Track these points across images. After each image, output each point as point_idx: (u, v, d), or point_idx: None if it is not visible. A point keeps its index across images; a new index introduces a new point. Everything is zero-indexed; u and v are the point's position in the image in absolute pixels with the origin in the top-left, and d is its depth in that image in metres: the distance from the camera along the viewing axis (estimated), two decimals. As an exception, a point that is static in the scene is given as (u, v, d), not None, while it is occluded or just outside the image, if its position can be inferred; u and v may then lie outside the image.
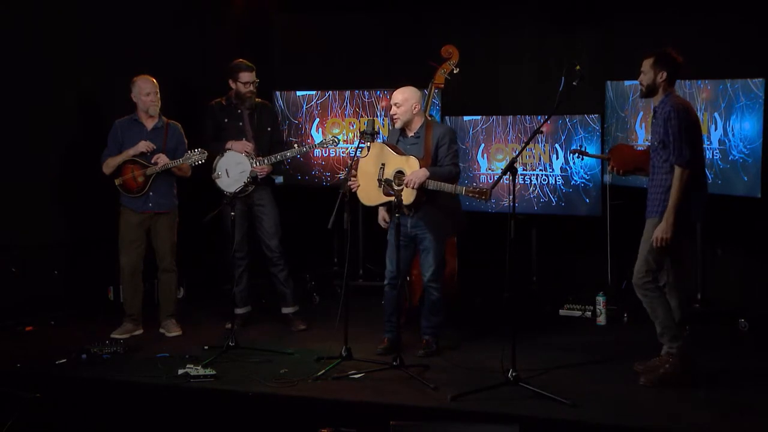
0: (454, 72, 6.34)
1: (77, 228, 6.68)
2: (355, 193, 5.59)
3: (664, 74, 4.93)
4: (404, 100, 5.45)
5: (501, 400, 4.65)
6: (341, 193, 5.33)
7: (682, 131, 4.80)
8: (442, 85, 6.40)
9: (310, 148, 6.73)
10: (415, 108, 5.49)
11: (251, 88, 6.23)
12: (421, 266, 5.57)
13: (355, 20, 7.87)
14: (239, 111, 6.27)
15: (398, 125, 5.51)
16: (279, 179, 6.84)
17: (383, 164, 5.47)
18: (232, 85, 6.24)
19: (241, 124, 6.26)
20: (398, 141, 5.59)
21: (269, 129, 6.34)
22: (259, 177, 6.14)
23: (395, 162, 5.46)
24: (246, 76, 6.19)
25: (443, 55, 6.34)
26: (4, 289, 6.17)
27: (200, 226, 5.78)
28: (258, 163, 6.12)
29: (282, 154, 6.21)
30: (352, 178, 5.58)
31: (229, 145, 6.17)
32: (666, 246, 4.85)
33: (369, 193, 5.53)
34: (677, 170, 4.80)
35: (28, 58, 6.35)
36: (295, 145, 6.47)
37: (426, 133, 5.49)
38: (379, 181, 5.46)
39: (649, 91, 5.01)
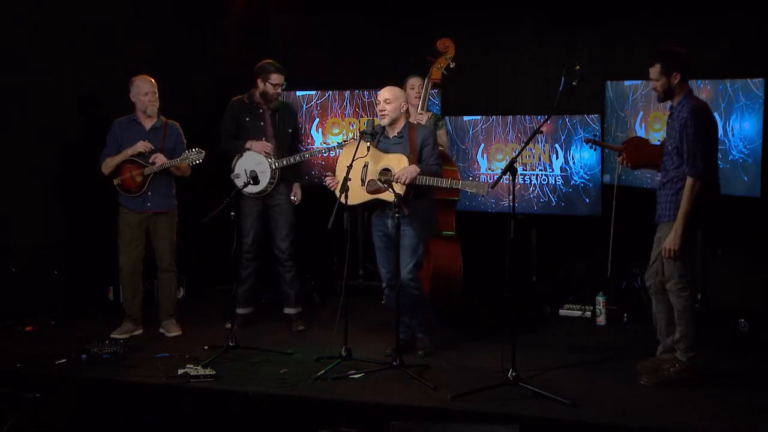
0: (451, 66, 6.32)
1: (77, 228, 6.68)
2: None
3: (678, 75, 4.88)
4: (394, 97, 5.47)
5: (501, 400, 4.65)
6: (341, 193, 5.32)
7: (698, 141, 4.76)
8: (439, 81, 6.38)
9: (326, 149, 6.69)
10: (402, 106, 5.52)
11: (279, 90, 6.25)
12: (400, 263, 5.54)
13: (355, 20, 7.87)
14: (261, 111, 6.28)
15: (386, 122, 5.50)
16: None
17: (367, 163, 5.46)
18: (260, 85, 6.23)
19: (262, 123, 6.27)
20: (380, 141, 5.58)
21: (290, 130, 6.35)
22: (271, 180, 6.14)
23: (382, 160, 5.46)
24: (277, 78, 6.20)
25: (439, 48, 6.32)
26: (4, 289, 6.17)
27: (200, 226, 5.77)
28: (277, 164, 6.14)
29: (301, 155, 6.24)
30: (328, 178, 5.59)
31: (248, 144, 6.18)
32: (676, 256, 4.85)
33: (351, 192, 5.48)
34: (689, 180, 4.77)
35: (28, 58, 6.35)
36: (312, 147, 6.40)
37: (410, 133, 5.50)
38: (363, 180, 5.46)
39: (666, 96, 4.95)
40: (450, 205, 6.22)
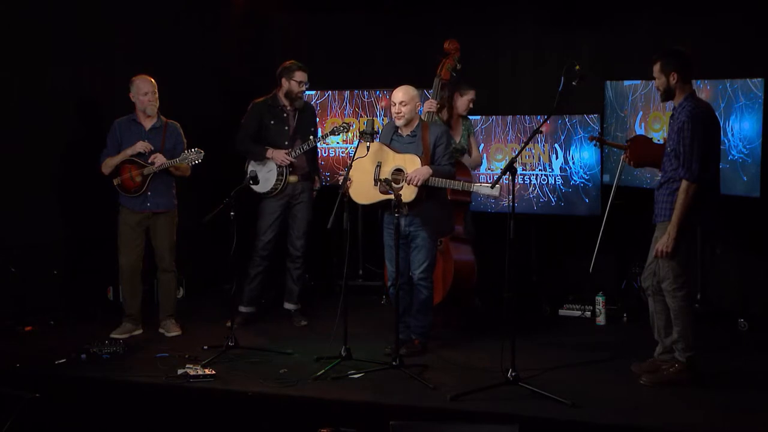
0: (458, 68, 6.34)
1: (77, 228, 6.67)
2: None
3: (676, 75, 4.87)
4: (410, 98, 5.47)
5: (501, 400, 4.65)
6: (341, 193, 5.33)
7: (694, 145, 4.75)
8: (448, 80, 6.36)
9: (325, 136, 6.62)
10: (417, 106, 5.53)
11: (303, 88, 6.28)
12: (412, 263, 5.53)
13: (355, 20, 7.87)
14: (285, 114, 6.30)
15: (402, 123, 5.50)
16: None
17: (380, 162, 5.47)
18: (285, 84, 6.27)
19: (286, 128, 6.29)
20: (392, 140, 5.59)
21: (312, 129, 6.36)
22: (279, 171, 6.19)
23: (394, 160, 5.46)
24: (301, 75, 6.25)
25: (446, 49, 6.32)
26: (4, 289, 6.17)
27: (200, 226, 5.78)
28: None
29: (306, 143, 6.23)
30: (341, 178, 5.59)
31: (269, 154, 6.21)
32: (668, 256, 4.85)
33: (364, 192, 5.50)
34: (684, 184, 4.77)
35: (29, 58, 6.35)
36: (311, 137, 6.37)
37: (423, 132, 5.50)
38: (376, 180, 5.46)
39: (666, 95, 4.95)
40: (462, 206, 6.23)
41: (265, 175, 6.20)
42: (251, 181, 5.93)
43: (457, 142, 6.37)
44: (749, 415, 4.50)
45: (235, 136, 6.36)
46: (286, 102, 6.30)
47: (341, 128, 6.22)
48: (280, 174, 6.20)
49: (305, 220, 6.35)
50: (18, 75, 6.29)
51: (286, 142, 6.26)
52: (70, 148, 6.61)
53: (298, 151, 6.20)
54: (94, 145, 6.21)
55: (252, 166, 6.27)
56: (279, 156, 6.19)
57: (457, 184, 5.38)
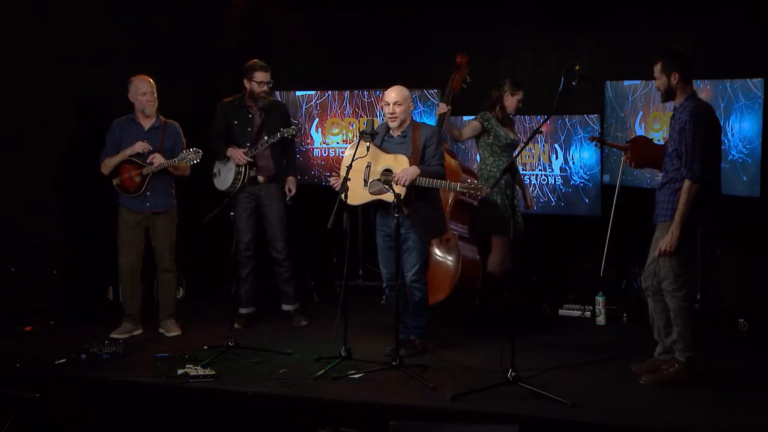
0: (468, 80, 6.33)
1: (77, 228, 6.68)
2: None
3: (677, 75, 4.87)
4: (404, 98, 5.46)
5: (501, 400, 4.65)
6: (340, 193, 5.32)
7: (696, 145, 4.75)
8: (458, 91, 6.35)
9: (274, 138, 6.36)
10: (410, 107, 5.53)
11: (265, 88, 6.26)
12: (403, 265, 5.50)
13: (354, 20, 7.86)
14: (250, 115, 6.29)
15: (396, 124, 5.49)
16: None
17: (369, 163, 5.46)
18: (247, 85, 6.27)
19: (249, 129, 6.27)
20: (383, 140, 5.58)
21: (282, 129, 6.30)
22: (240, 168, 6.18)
23: (383, 160, 5.45)
24: (261, 76, 6.22)
25: (458, 62, 6.30)
26: (4, 289, 6.17)
27: (200, 226, 5.78)
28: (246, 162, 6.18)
29: (262, 143, 6.18)
30: (333, 177, 5.58)
31: (229, 153, 6.22)
32: (670, 255, 4.85)
33: (354, 192, 5.48)
34: (686, 183, 4.76)
35: (29, 58, 6.35)
36: (265, 137, 6.31)
37: (413, 133, 5.49)
38: (366, 180, 5.45)
39: (667, 96, 4.94)
40: (467, 207, 6.22)
41: (226, 174, 6.23)
42: (251, 181, 5.93)
43: (512, 138, 6.31)
44: (749, 415, 4.50)
45: (207, 137, 6.36)
46: (251, 102, 6.29)
47: (292, 131, 6.21)
48: (238, 173, 6.20)
49: (279, 221, 6.31)
50: (18, 75, 6.30)
51: (248, 143, 6.24)
52: (70, 148, 6.61)
53: (254, 150, 6.18)
54: (94, 145, 6.21)
55: (216, 165, 6.31)
56: (236, 155, 6.19)
57: (444, 184, 5.36)
